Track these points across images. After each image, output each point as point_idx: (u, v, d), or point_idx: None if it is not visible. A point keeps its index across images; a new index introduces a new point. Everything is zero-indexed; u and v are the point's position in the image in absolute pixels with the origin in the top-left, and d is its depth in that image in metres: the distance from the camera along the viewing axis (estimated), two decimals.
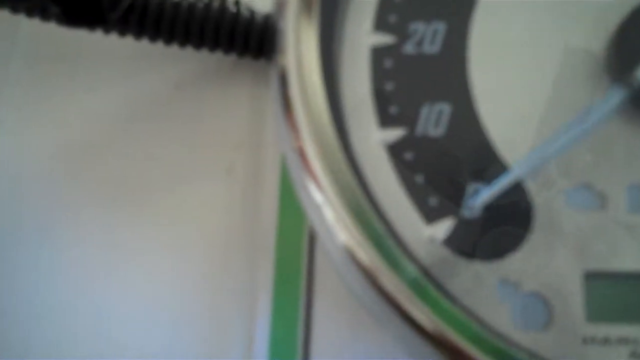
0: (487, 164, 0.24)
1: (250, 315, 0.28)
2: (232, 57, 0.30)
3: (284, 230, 0.29)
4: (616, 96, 0.24)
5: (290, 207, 0.29)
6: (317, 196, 0.22)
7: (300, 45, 0.24)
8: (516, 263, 0.24)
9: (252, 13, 0.30)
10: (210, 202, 0.30)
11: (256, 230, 0.29)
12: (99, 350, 0.29)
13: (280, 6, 0.25)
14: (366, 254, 0.22)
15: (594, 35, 0.25)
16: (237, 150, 0.30)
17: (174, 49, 0.30)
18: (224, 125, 0.31)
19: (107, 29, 0.29)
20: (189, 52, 0.30)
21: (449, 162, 0.25)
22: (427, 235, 0.24)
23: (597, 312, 0.24)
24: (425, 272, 0.23)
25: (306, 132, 0.23)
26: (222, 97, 0.31)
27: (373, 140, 0.25)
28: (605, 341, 0.23)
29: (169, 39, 0.30)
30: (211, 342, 0.28)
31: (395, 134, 0.25)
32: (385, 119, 0.25)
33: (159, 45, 0.30)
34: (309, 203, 0.23)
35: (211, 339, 0.28)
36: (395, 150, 0.25)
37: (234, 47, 0.30)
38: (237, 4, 0.29)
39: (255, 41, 0.29)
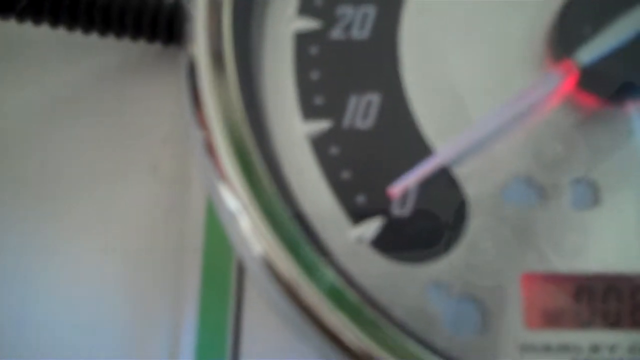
0: (419, 157, 0.23)
1: (177, 316, 0.26)
2: (156, 46, 0.28)
3: (212, 230, 0.27)
4: (553, 79, 0.22)
5: None
6: (231, 202, 0.21)
7: (213, 31, 0.22)
8: (449, 264, 0.22)
9: None
10: (135, 201, 0.28)
11: (183, 230, 0.28)
12: (20, 351, 0.27)
13: None
14: (283, 264, 0.20)
15: (533, 19, 0.23)
16: (163, 147, 0.28)
17: (94, 38, 0.28)
18: (149, 120, 0.29)
19: (19, 18, 0.27)
20: (110, 41, 0.28)
21: (377, 157, 0.23)
22: (354, 237, 0.22)
23: (536, 317, 0.22)
24: (349, 278, 0.21)
25: (217, 129, 0.21)
26: (147, 89, 0.29)
27: (296, 133, 0.23)
28: (546, 349, 0.22)
29: (87, 28, 0.28)
30: (137, 343, 0.27)
31: (320, 126, 0.23)
32: (310, 111, 0.23)
33: (78, 35, 0.28)
34: (222, 210, 0.21)
35: (137, 340, 0.27)
36: (319, 144, 0.23)
37: (158, 36, 0.28)
38: None
39: (180, 28, 0.27)
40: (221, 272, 0.27)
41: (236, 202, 0.21)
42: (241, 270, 0.27)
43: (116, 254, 0.28)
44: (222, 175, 0.21)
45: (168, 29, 0.27)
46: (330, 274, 0.20)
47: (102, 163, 0.29)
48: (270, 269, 0.20)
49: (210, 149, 0.21)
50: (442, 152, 0.22)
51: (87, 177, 0.28)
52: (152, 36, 0.28)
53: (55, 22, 0.27)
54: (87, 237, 0.28)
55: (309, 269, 0.20)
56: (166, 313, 0.27)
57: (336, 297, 0.20)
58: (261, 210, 0.21)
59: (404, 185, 0.22)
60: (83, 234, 0.28)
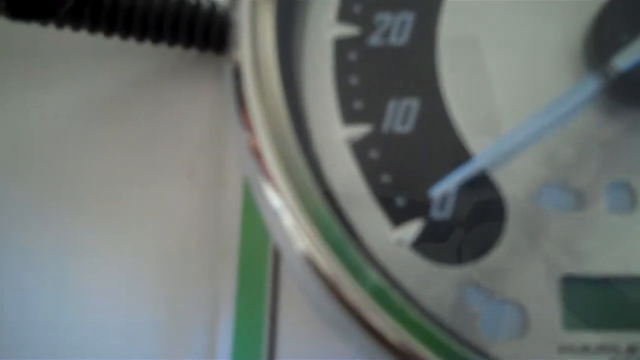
0: (458, 161, 0.23)
1: (213, 318, 0.27)
2: (193, 52, 0.29)
3: (247, 235, 0.28)
4: (590, 85, 0.23)
5: (254, 211, 0.27)
6: (274, 200, 0.21)
7: (256, 37, 0.22)
8: (488, 267, 0.22)
9: (212, 5, 0.28)
10: (171, 205, 0.29)
11: (218, 236, 0.28)
12: (56, 352, 0.27)
13: None
14: (326, 262, 0.20)
15: (569, 25, 0.24)
16: (198, 152, 0.29)
17: (131, 44, 0.28)
18: (184, 126, 0.29)
19: (59, 23, 0.28)
20: (147, 47, 0.28)
21: (417, 161, 0.23)
22: (394, 239, 0.22)
23: (575, 319, 0.22)
24: (391, 279, 0.22)
25: (262, 132, 0.21)
26: (183, 95, 0.29)
27: (336, 137, 0.23)
28: (584, 349, 0.22)
29: (125, 33, 0.28)
30: (173, 344, 0.27)
31: (360, 130, 0.23)
32: (349, 115, 0.24)
33: (116, 41, 0.28)
34: (266, 207, 0.21)
35: (173, 341, 0.27)
36: (359, 148, 0.23)
37: (194, 41, 0.28)
38: None
39: (216, 34, 0.28)
40: (257, 275, 0.27)
41: (279, 201, 0.21)
42: (277, 273, 0.27)
43: (152, 257, 0.28)
44: (266, 175, 0.21)
45: (204, 35, 0.28)
46: (373, 274, 0.20)
47: (139, 168, 0.29)
48: (312, 266, 0.21)
49: (255, 150, 0.21)
50: (482, 157, 0.22)
51: (123, 182, 0.29)
52: (188, 42, 0.28)
53: (94, 27, 0.28)
54: (124, 241, 0.28)
55: (352, 268, 0.20)
56: (202, 315, 0.27)
57: (380, 297, 0.20)
58: (304, 208, 0.21)
59: (444, 189, 0.22)
60: (120, 238, 0.28)
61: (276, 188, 0.21)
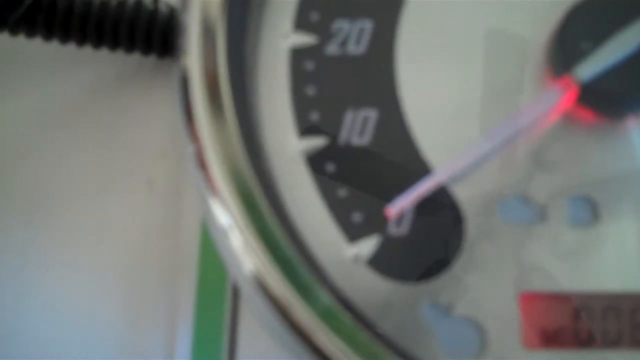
0: (417, 175, 0.22)
1: (172, 321, 0.26)
2: (152, 59, 0.28)
3: (207, 243, 0.27)
4: (553, 96, 0.22)
5: None
6: (221, 217, 0.20)
7: (205, 44, 0.21)
8: (447, 284, 0.22)
9: (171, 10, 0.27)
10: (131, 214, 0.28)
11: (179, 243, 0.27)
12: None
13: None
14: (274, 282, 0.20)
15: (532, 35, 0.23)
16: (158, 161, 0.28)
17: (88, 50, 0.28)
18: (144, 134, 0.28)
19: (12, 31, 0.27)
20: (104, 54, 0.28)
21: (374, 174, 0.22)
22: (350, 256, 0.22)
23: (535, 337, 0.21)
24: (345, 298, 0.21)
25: (209, 143, 0.20)
26: (142, 102, 0.29)
27: (291, 150, 0.23)
28: None
29: (80, 40, 0.27)
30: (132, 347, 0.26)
31: (315, 143, 0.23)
32: (305, 127, 0.23)
33: (72, 47, 0.28)
34: (213, 225, 0.21)
35: (132, 343, 0.26)
36: (315, 161, 0.23)
37: (153, 48, 0.28)
38: (155, 1, 0.27)
39: (170, 39, 0.27)
40: (217, 286, 0.27)
41: (227, 218, 0.20)
42: (237, 291, 0.26)
43: (111, 266, 0.28)
44: (213, 190, 0.20)
45: (162, 41, 0.27)
46: (325, 295, 0.20)
47: (97, 178, 0.28)
48: (261, 287, 0.20)
49: (201, 163, 0.21)
50: (441, 172, 0.22)
51: (82, 191, 0.28)
52: (146, 48, 0.27)
53: (48, 34, 0.27)
54: (82, 250, 0.28)
55: (302, 289, 0.20)
56: (161, 316, 0.26)
57: (331, 318, 0.19)
58: (253, 227, 0.20)
59: (401, 206, 0.21)
60: (78, 246, 0.28)
61: (223, 204, 0.20)
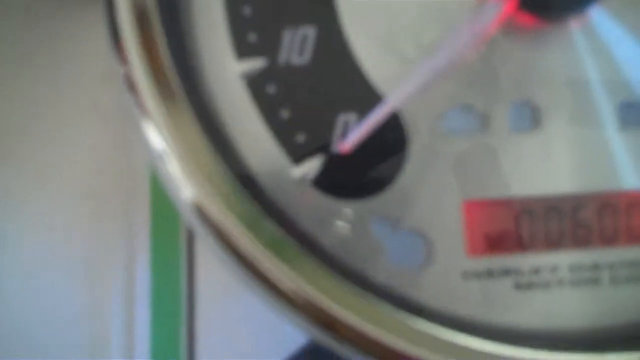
0: (359, 92, 0.22)
1: (129, 320, 0.27)
2: None
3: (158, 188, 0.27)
4: (494, 6, 0.22)
5: None
6: (156, 142, 0.20)
7: None
8: (392, 198, 0.22)
9: None
10: (79, 141, 0.28)
11: (131, 174, 0.27)
12: None
13: None
14: (215, 211, 0.20)
15: None
16: (102, 84, 0.28)
17: None
18: (85, 58, 0.28)
19: None
20: None
21: (316, 93, 0.22)
22: (295, 177, 0.22)
23: (478, 243, 0.22)
24: (291, 220, 0.21)
25: (138, 67, 0.20)
26: (80, 26, 0.28)
27: (230, 73, 0.22)
28: (488, 274, 0.22)
29: None
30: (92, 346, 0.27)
31: (254, 64, 0.22)
32: (243, 49, 0.22)
33: None
34: (149, 149, 0.20)
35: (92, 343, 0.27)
36: (255, 83, 0.22)
37: None
38: None
39: None
40: (172, 266, 0.27)
41: (161, 143, 0.20)
42: (192, 264, 0.27)
43: (65, 203, 0.27)
44: (145, 113, 0.20)
45: None
46: (268, 223, 0.20)
47: (42, 105, 0.28)
48: (202, 216, 0.20)
49: (131, 86, 0.20)
50: (393, 98, 0.22)
51: (27, 120, 0.28)
52: None
53: None
54: (34, 183, 0.28)
55: (245, 218, 0.20)
56: (118, 314, 0.27)
57: (276, 246, 0.20)
58: (188, 153, 0.20)
59: (354, 140, 0.21)
60: (28, 179, 0.28)
61: (157, 128, 0.20)
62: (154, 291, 0.26)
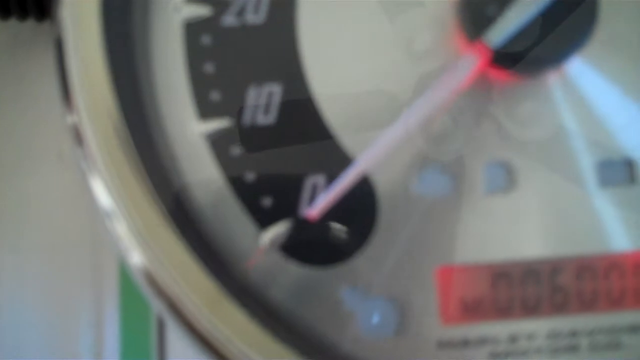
0: (327, 154, 0.21)
1: (98, 320, 0.26)
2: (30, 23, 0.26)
3: None
4: (468, 62, 0.21)
5: None
6: (102, 199, 0.19)
7: (81, 17, 0.20)
8: (363, 265, 0.21)
9: None
10: (43, 190, 0.27)
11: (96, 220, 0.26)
12: None
13: None
14: (164, 280, 0.19)
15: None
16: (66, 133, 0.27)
17: None
18: (48, 105, 0.27)
19: None
20: None
21: (282, 155, 0.21)
22: (261, 243, 0.21)
23: (453, 311, 0.21)
24: (255, 292, 0.20)
25: (84, 114, 0.19)
26: (41, 70, 0.27)
27: (193, 133, 0.21)
28: (464, 343, 0.21)
29: None
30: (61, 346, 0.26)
31: (218, 125, 0.21)
32: (206, 108, 0.21)
33: None
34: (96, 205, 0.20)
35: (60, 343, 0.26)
36: (219, 144, 0.21)
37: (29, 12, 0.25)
38: None
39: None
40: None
41: (107, 201, 0.19)
42: None
43: (30, 249, 0.27)
44: (91, 168, 0.19)
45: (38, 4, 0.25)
46: (228, 302, 0.19)
47: (6, 154, 0.27)
48: (151, 283, 0.19)
49: (78, 137, 0.19)
50: (363, 160, 0.21)
51: None
52: (22, 13, 0.25)
53: None
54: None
55: (201, 292, 0.19)
56: (87, 315, 0.26)
57: (237, 326, 0.19)
58: (136, 213, 0.19)
59: (322, 206, 0.20)
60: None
61: (104, 184, 0.19)
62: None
